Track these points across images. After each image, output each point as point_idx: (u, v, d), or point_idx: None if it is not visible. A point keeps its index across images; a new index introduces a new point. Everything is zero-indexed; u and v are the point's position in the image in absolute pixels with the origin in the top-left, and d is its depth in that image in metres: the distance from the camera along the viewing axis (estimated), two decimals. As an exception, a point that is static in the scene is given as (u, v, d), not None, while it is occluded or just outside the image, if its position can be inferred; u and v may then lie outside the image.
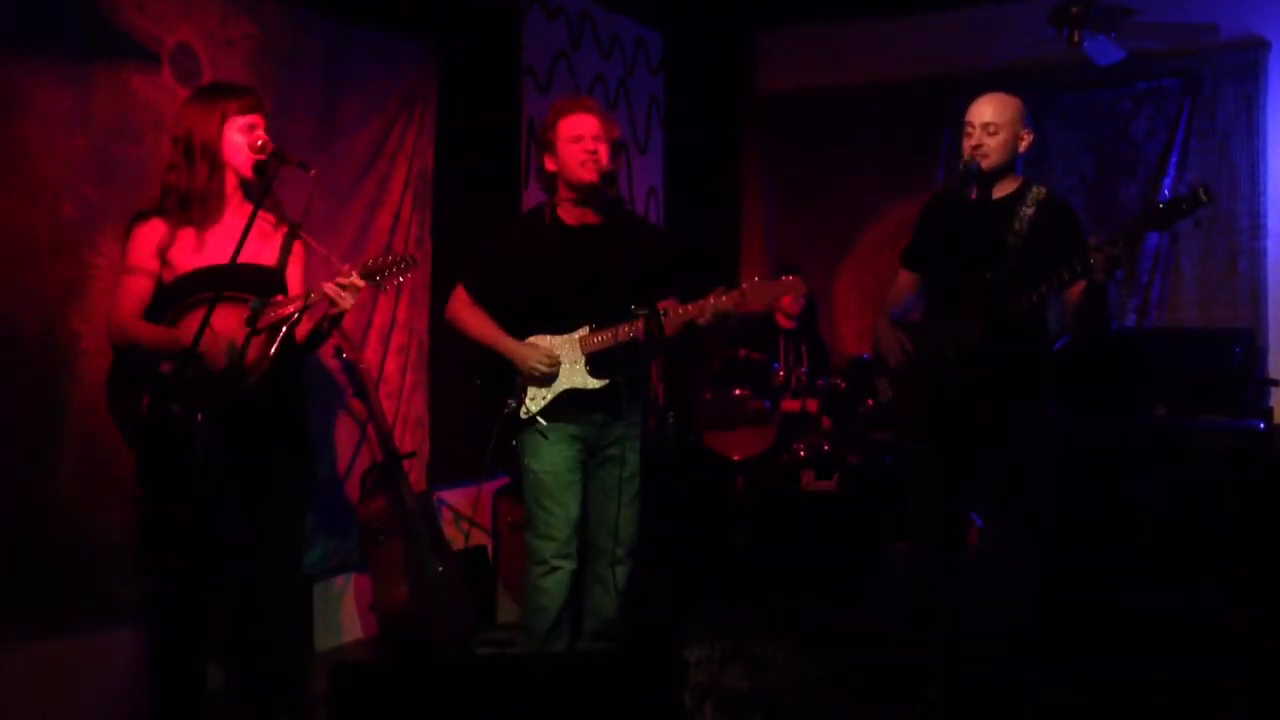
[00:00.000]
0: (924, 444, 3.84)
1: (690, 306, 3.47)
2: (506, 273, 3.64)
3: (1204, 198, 3.37)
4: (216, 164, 3.25)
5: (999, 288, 3.64)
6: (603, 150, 3.50)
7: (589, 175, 3.48)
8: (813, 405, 5.73)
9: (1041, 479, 3.76)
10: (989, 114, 3.67)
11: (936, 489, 3.84)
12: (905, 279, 4.06)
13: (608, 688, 2.77)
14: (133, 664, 3.63)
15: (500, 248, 3.70)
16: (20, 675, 3.45)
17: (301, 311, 3.23)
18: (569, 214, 3.61)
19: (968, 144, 3.70)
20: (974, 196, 3.67)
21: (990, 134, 3.66)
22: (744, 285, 3.48)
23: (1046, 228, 3.68)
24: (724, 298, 3.45)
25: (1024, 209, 3.71)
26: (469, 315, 3.68)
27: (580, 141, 3.49)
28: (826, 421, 5.72)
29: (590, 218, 3.61)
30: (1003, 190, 3.74)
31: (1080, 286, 3.55)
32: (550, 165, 3.58)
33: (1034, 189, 3.75)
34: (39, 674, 3.51)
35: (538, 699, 2.74)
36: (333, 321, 3.37)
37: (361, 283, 3.22)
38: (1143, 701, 3.87)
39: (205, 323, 2.95)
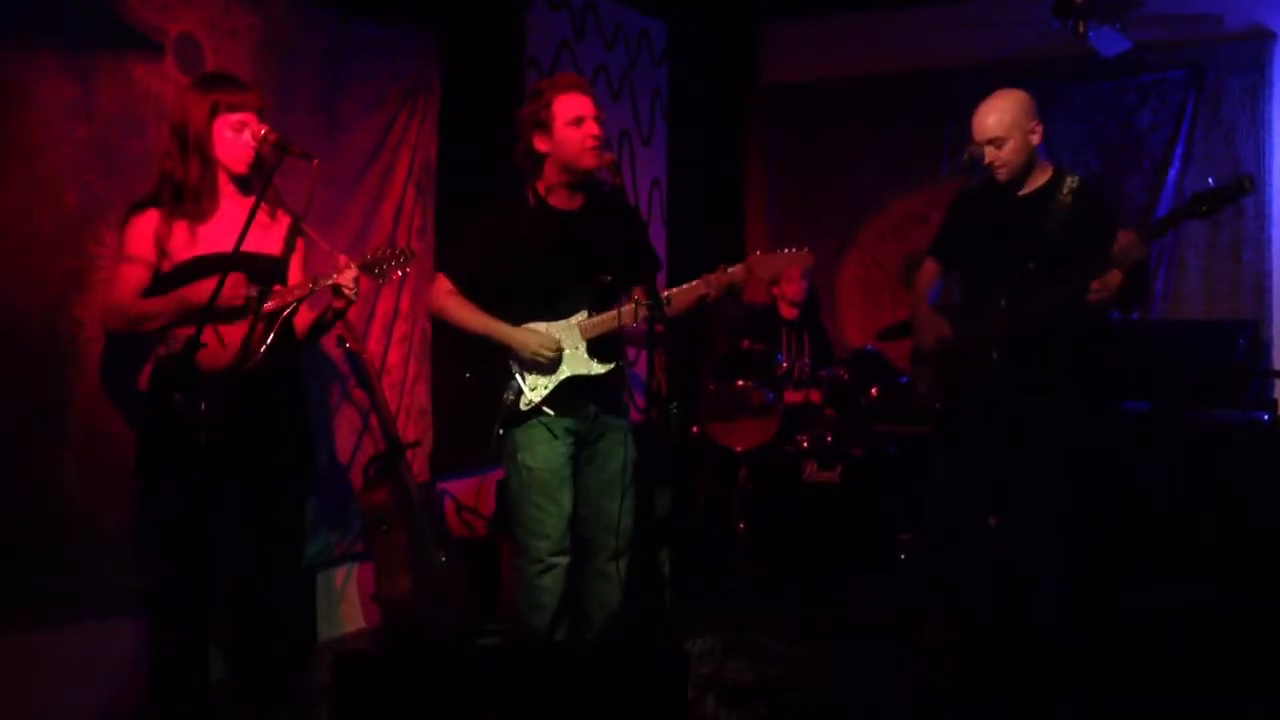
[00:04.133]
0: (952, 439, 3.80)
1: (698, 282, 3.42)
2: (496, 260, 3.48)
3: (1248, 185, 3.37)
4: (208, 159, 3.25)
5: (1038, 279, 3.59)
6: (601, 133, 3.41)
7: (592, 161, 3.38)
8: (815, 396, 5.73)
9: (1065, 473, 3.71)
10: (991, 128, 3.60)
11: (956, 485, 3.82)
12: (930, 268, 4.00)
13: (610, 679, 2.77)
14: (135, 654, 3.63)
15: (487, 235, 3.52)
16: (22, 665, 3.46)
17: (300, 300, 3.24)
18: (556, 197, 3.48)
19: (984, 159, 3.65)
20: (977, 184, 3.64)
21: (998, 147, 3.60)
22: (750, 259, 3.45)
23: (1083, 217, 3.61)
24: (733, 269, 3.41)
25: (1060, 200, 3.63)
26: (455, 305, 3.50)
27: (582, 124, 3.37)
28: (829, 413, 5.72)
29: (577, 200, 3.50)
30: (1034, 183, 3.69)
31: (1115, 275, 3.45)
32: (542, 145, 3.41)
33: (1068, 179, 3.67)
34: (41, 664, 3.51)
35: (539, 690, 2.73)
36: (336, 314, 3.39)
37: (353, 286, 3.26)
38: (1143, 699, 3.86)
39: (218, 290, 2.96)
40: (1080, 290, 3.48)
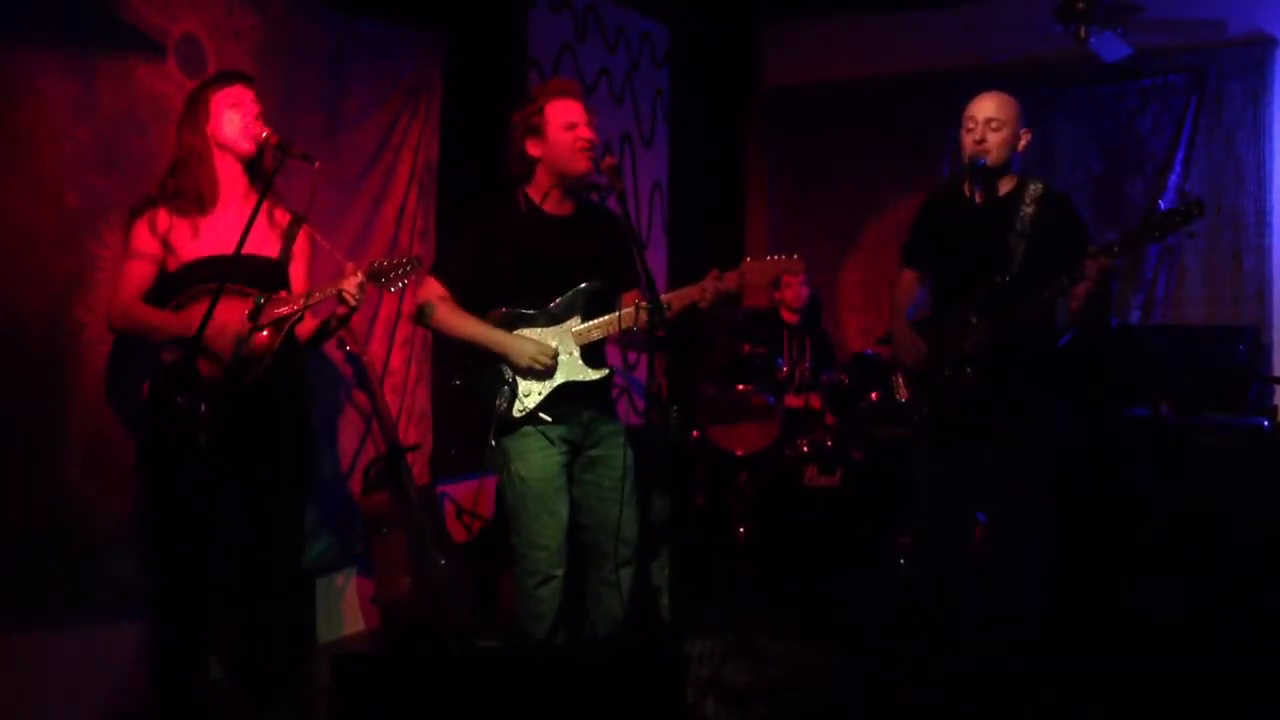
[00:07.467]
0: (938, 444, 3.86)
1: (691, 289, 3.40)
2: (487, 265, 3.43)
3: (1196, 210, 3.46)
4: (205, 158, 3.29)
5: (1009, 289, 3.69)
6: (595, 138, 3.39)
7: (584, 165, 3.38)
8: (816, 400, 5.73)
9: (1046, 477, 3.78)
10: (992, 109, 3.70)
11: (946, 489, 3.86)
12: (909, 276, 4.11)
13: (610, 681, 2.77)
14: (135, 654, 3.63)
15: (479, 239, 3.48)
16: (22, 665, 3.46)
17: (303, 310, 3.24)
18: (548, 203, 3.45)
19: (969, 139, 3.73)
20: (979, 199, 3.68)
21: (994, 129, 3.70)
22: (742, 266, 3.45)
23: (1048, 224, 3.72)
24: (726, 276, 3.39)
25: (1024, 207, 3.73)
26: (445, 310, 3.43)
27: (574, 129, 3.37)
28: (830, 417, 5.72)
29: (567, 207, 3.48)
30: (1003, 189, 3.77)
31: (1083, 288, 3.59)
32: (535, 150, 3.40)
33: (1031, 185, 3.78)
34: (41, 664, 3.51)
35: (539, 692, 2.74)
36: (341, 320, 3.39)
37: (356, 292, 3.26)
38: (1143, 700, 3.86)
39: (209, 314, 2.95)
40: (1048, 307, 3.66)
